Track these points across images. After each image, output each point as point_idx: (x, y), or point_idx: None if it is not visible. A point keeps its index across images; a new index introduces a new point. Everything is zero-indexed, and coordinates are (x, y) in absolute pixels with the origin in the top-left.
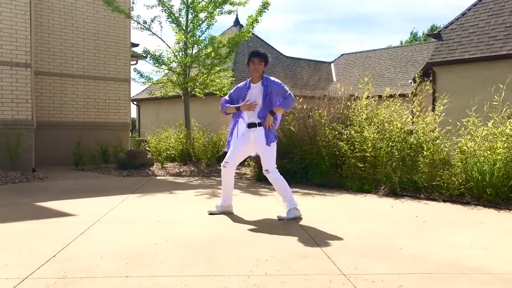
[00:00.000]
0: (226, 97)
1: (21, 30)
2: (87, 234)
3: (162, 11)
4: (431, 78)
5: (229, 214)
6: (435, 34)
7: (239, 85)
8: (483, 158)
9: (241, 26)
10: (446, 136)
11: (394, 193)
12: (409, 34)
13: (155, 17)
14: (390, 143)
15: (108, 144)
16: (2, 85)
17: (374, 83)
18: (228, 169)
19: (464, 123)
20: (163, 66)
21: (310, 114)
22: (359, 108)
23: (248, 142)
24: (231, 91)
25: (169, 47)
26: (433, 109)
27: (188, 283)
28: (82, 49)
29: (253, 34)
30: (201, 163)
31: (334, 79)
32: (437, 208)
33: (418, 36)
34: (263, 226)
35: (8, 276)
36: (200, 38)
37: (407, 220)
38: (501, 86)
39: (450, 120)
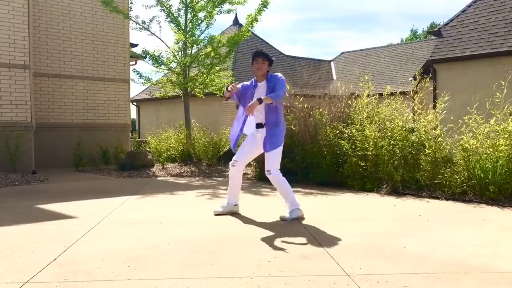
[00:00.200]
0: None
1: (19, 32)
2: (88, 237)
3: (161, 11)
4: (431, 76)
5: (232, 214)
6: (435, 31)
7: (245, 82)
8: (485, 155)
9: (241, 25)
10: (448, 134)
11: (396, 192)
12: (409, 32)
13: (153, 17)
14: (392, 142)
15: (108, 145)
16: (0, 87)
17: (374, 81)
18: (237, 168)
19: (466, 120)
20: (163, 66)
21: (311, 113)
22: (360, 106)
23: (255, 142)
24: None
25: (168, 47)
26: (434, 107)
27: (191, 285)
28: (81, 50)
29: (252, 33)
30: (201, 163)
31: (334, 78)
32: (439, 206)
33: (418, 33)
34: (266, 227)
35: (8, 280)
36: (200, 38)
37: (410, 218)
38: (503, 82)
39: (451, 118)
